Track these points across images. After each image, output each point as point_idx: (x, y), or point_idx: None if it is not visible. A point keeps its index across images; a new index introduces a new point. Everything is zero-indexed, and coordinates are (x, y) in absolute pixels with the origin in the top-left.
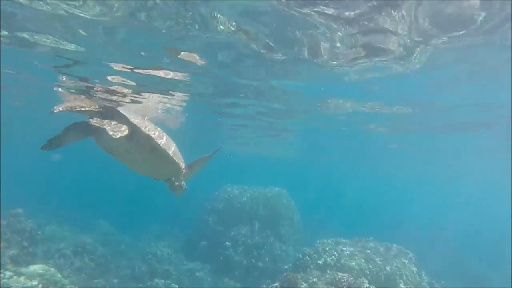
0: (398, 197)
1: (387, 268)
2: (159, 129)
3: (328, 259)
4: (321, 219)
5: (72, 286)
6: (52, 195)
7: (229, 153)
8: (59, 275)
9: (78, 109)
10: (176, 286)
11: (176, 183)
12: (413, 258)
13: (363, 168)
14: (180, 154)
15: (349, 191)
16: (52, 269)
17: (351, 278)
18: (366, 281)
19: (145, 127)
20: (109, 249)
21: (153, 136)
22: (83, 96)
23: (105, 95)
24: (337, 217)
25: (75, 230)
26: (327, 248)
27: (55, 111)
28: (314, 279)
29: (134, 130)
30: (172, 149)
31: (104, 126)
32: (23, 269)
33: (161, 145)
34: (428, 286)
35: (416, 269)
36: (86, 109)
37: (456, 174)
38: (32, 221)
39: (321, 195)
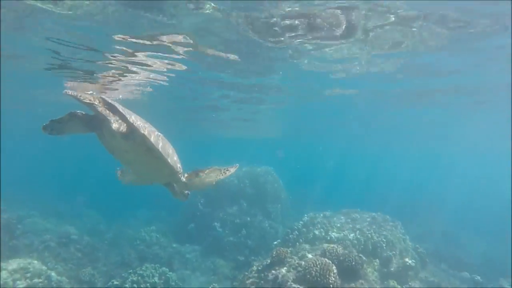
0: (384, 168)
1: (374, 237)
2: (157, 132)
3: (317, 232)
4: (309, 195)
5: (59, 277)
6: (34, 186)
7: (214, 138)
8: (44, 267)
9: (86, 100)
10: (167, 269)
11: (177, 189)
12: (399, 225)
13: (347, 142)
14: (177, 159)
15: (335, 166)
16: (36, 262)
17: (340, 249)
18: (354, 251)
19: (143, 127)
20: (97, 238)
21: (148, 136)
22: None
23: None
24: (325, 192)
25: (59, 222)
26: (315, 222)
27: (67, 93)
28: (304, 252)
29: (132, 129)
30: (168, 152)
31: (110, 118)
32: (3, 264)
33: (156, 146)
34: (413, 251)
35: (401, 235)
36: (94, 103)
37: (439, 143)
38: (11, 214)
39: (308, 172)
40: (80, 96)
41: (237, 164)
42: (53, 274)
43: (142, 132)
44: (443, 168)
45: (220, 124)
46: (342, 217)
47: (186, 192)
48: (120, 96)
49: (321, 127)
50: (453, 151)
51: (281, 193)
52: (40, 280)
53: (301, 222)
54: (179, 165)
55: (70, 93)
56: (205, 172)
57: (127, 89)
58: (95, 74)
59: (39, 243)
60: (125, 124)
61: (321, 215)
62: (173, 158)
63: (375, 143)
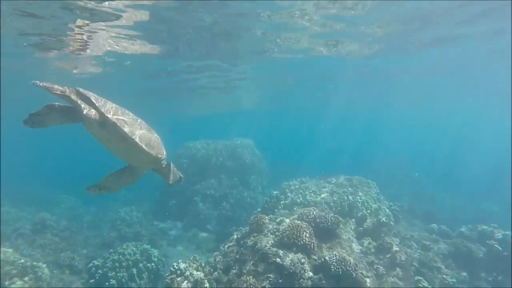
0: (362, 134)
1: (350, 197)
2: (132, 118)
3: (295, 198)
4: (289, 165)
5: (34, 263)
6: (5, 174)
7: (193, 116)
8: (17, 255)
9: (58, 92)
10: (148, 246)
11: (165, 174)
12: (374, 186)
13: (326, 110)
14: (159, 145)
15: (315, 135)
16: (9, 250)
17: (316, 211)
18: (331, 212)
19: (114, 114)
20: (75, 222)
21: (119, 123)
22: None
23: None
24: (304, 162)
25: (33, 210)
26: (293, 188)
27: (36, 83)
28: (282, 218)
29: (104, 117)
30: (146, 138)
31: (83, 106)
32: None
33: (129, 133)
34: (387, 209)
35: (376, 195)
36: (66, 93)
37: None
38: None
39: (287, 143)
40: (51, 86)
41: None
42: (27, 260)
43: (112, 119)
44: (421, 131)
45: (195, 95)
46: (319, 182)
47: (179, 176)
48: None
49: (301, 94)
50: (429, 114)
51: (261, 165)
52: (13, 267)
53: (279, 189)
54: (161, 152)
55: (40, 84)
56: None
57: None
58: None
59: (11, 231)
60: (97, 112)
61: (299, 181)
62: (153, 145)
63: (355, 108)
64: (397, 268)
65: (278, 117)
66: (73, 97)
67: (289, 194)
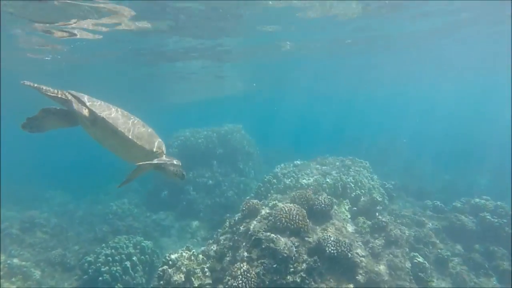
0: (353, 113)
1: (343, 178)
2: (121, 114)
3: (288, 181)
4: (282, 149)
5: (23, 262)
6: None
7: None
8: (3, 257)
9: (49, 93)
10: (141, 238)
11: (166, 170)
12: (367, 165)
13: (315, 92)
14: (153, 139)
15: (306, 117)
16: None
17: (309, 193)
18: (324, 194)
19: (103, 111)
20: (66, 218)
21: (108, 119)
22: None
23: None
24: (298, 145)
25: (21, 208)
26: (286, 172)
27: (25, 83)
28: (275, 202)
29: (94, 115)
30: (138, 132)
31: (74, 106)
32: None
33: (119, 128)
34: (380, 187)
35: (369, 174)
36: (58, 95)
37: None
38: None
39: (279, 126)
40: (43, 87)
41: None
42: (15, 260)
43: (100, 115)
44: (411, 108)
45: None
46: (312, 164)
47: (179, 170)
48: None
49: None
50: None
51: (252, 149)
52: None
53: (271, 173)
54: (156, 145)
55: (32, 85)
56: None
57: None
58: None
59: None
60: (87, 110)
61: (291, 164)
62: (146, 138)
63: (343, 89)
64: (393, 246)
65: (270, 102)
66: (64, 96)
67: (281, 178)
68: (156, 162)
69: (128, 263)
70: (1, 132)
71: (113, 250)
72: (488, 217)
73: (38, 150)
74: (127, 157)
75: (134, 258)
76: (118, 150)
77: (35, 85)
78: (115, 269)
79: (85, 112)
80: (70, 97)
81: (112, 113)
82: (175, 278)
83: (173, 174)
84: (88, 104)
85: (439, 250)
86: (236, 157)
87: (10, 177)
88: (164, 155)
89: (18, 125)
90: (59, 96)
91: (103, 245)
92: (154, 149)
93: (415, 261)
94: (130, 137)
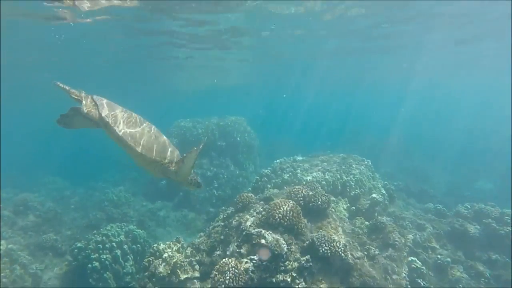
0: (357, 111)
1: (344, 176)
2: (135, 120)
3: (286, 177)
4: (283, 143)
5: (11, 245)
6: None
7: (182, 91)
8: None
9: (74, 95)
10: (134, 226)
11: (174, 179)
12: (368, 164)
13: (321, 87)
14: (160, 148)
15: (308, 112)
16: None
17: (306, 190)
18: (322, 191)
19: (111, 116)
20: (61, 203)
21: (113, 124)
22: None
23: None
24: (301, 140)
25: (18, 191)
26: (284, 167)
27: (57, 84)
28: (270, 197)
29: (104, 121)
30: (140, 140)
31: (82, 100)
32: None
33: (122, 135)
34: (382, 188)
35: (370, 173)
36: (81, 96)
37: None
38: None
39: (282, 119)
40: (69, 89)
41: (204, 140)
42: (3, 242)
43: (107, 120)
44: (416, 108)
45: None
46: (312, 160)
47: (193, 178)
48: None
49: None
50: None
51: (253, 143)
52: None
53: (270, 168)
54: (162, 154)
55: (61, 86)
56: (186, 159)
57: None
58: None
59: None
60: (96, 112)
61: (291, 159)
62: (152, 147)
63: (347, 85)
64: (390, 249)
65: (274, 94)
66: (85, 100)
67: (280, 173)
68: (174, 176)
69: (118, 252)
70: (2, 116)
71: (104, 238)
72: (493, 224)
73: (41, 137)
74: (138, 162)
75: (125, 246)
76: (132, 156)
77: (64, 86)
78: (104, 257)
79: (95, 114)
80: (87, 101)
81: (119, 118)
82: (160, 269)
83: (187, 183)
84: (100, 109)
85: (438, 256)
86: (236, 150)
87: (11, 162)
88: (174, 165)
89: (21, 110)
90: (76, 98)
91: (95, 232)
92: (158, 159)
93: (413, 266)
94: (139, 150)
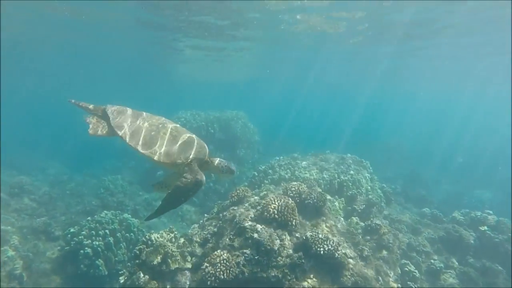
0: (360, 112)
1: (341, 176)
2: (144, 125)
3: (283, 173)
4: (285, 140)
5: (3, 227)
6: None
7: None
8: None
9: (87, 109)
10: (128, 215)
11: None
12: (367, 165)
13: (325, 87)
14: (172, 151)
15: (311, 110)
16: None
17: (302, 187)
18: (318, 189)
19: (120, 127)
20: (58, 188)
21: (118, 131)
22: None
23: None
24: (299, 137)
25: (15, 173)
26: (283, 163)
27: (71, 101)
28: (267, 192)
29: (113, 130)
30: (152, 146)
31: (90, 124)
32: None
33: (128, 141)
34: (379, 190)
35: (368, 175)
36: (91, 110)
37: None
38: None
39: (283, 117)
40: (81, 104)
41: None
42: None
43: (117, 131)
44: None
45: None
46: (310, 159)
47: (225, 165)
48: None
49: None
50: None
51: (252, 138)
52: None
53: (268, 164)
54: (190, 155)
55: (78, 104)
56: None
57: None
58: None
59: None
60: (109, 124)
61: (289, 157)
62: (177, 154)
63: (351, 87)
64: (384, 251)
65: (279, 90)
66: (99, 114)
67: (277, 169)
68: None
69: (111, 239)
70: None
71: (97, 224)
72: (488, 232)
73: (42, 122)
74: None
75: (118, 234)
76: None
77: (81, 103)
78: (97, 243)
79: (102, 130)
80: (96, 111)
81: (126, 125)
82: (151, 258)
83: (219, 170)
84: (111, 118)
85: (432, 261)
86: (235, 144)
87: (12, 146)
88: (195, 163)
89: (22, 91)
90: (93, 110)
91: (88, 218)
92: (189, 160)
93: (406, 269)
94: (155, 158)
